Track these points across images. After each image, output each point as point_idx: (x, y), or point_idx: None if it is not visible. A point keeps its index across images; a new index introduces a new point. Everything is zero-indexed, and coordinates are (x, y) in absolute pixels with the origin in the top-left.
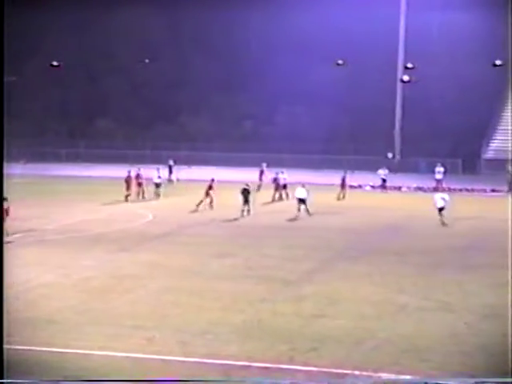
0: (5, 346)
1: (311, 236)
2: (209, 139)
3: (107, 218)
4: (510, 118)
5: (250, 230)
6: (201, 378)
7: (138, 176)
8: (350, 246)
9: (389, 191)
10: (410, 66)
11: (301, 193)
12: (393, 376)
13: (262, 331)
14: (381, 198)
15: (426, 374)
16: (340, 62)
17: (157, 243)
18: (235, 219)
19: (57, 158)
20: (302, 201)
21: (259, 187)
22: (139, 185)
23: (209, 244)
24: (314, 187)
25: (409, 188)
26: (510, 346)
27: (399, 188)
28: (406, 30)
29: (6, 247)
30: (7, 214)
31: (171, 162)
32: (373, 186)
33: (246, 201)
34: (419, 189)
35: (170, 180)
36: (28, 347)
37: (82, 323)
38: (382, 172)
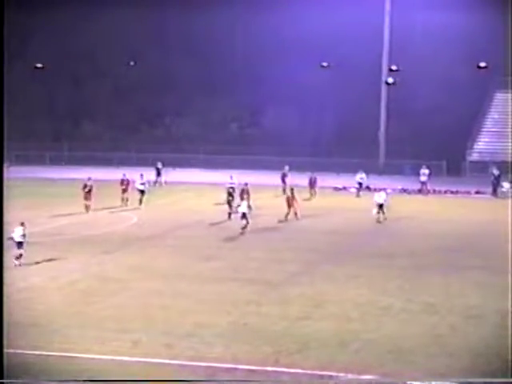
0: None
1: (296, 238)
2: (194, 142)
3: (92, 221)
4: (494, 120)
5: (235, 233)
6: (202, 378)
7: (122, 181)
8: (335, 248)
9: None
10: (394, 68)
11: (380, 197)
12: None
13: (247, 333)
14: (365, 199)
15: (411, 376)
16: (324, 64)
17: (142, 246)
18: (221, 221)
19: (41, 161)
20: (380, 206)
21: (284, 191)
22: (124, 191)
23: (194, 247)
24: (299, 189)
25: (393, 190)
26: (510, 345)
27: (384, 189)
28: (391, 32)
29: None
30: None
31: (159, 165)
32: (358, 189)
33: (230, 204)
34: (404, 191)
35: (157, 182)
36: (12, 350)
37: (67, 326)
38: (359, 176)
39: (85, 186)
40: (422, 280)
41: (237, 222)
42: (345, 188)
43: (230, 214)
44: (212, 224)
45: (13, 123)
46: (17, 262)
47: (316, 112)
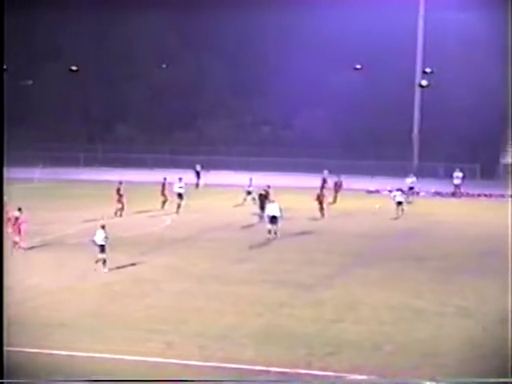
0: (14, 349)
1: (328, 241)
2: (227, 144)
3: (126, 223)
4: None
5: (267, 235)
6: (201, 378)
7: (163, 185)
8: (367, 250)
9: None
10: (428, 70)
11: (400, 197)
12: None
13: (279, 336)
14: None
15: (411, 376)
16: (358, 66)
17: (175, 248)
18: (253, 225)
19: (75, 163)
20: (399, 203)
21: (323, 195)
22: (163, 194)
23: (227, 249)
24: (329, 191)
25: (427, 193)
26: (510, 346)
27: (417, 193)
28: (425, 34)
29: (24, 252)
30: (17, 223)
31: (198, 168)
32: (390, 191)
33: (262, 206)
34: (437, 194)
35: (197, 185)
36: (44, 351)
37: (100, 327)
38: (410, 180)
39: (118, 190)
40: (454, 283)
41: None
42: (378, 191)
43: (261, 216)
44: (244, 226)
45: (47, 124)
46: (101, 268)
47: (349, 114)
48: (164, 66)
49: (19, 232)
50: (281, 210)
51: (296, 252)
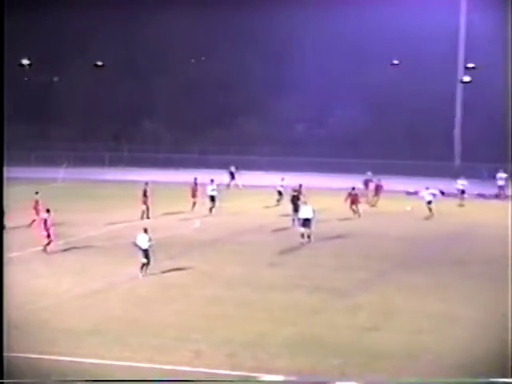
0: (44, 356)
1: (365, 245)
2: (258, 143)
3: (153, 225)
4: None
5: (300, 239)
6: (203, 378)
7: (194, 185)
8: (406, 255)
9: (448, 198)
10: (470, 65)
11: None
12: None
13: (313, 344)
14: (439, 204)
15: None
16: (395, 62)
17: (204, 251)
18: (286, 227)
19: (100, 162)
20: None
21: (366, 197)
22: (194, 195)
23: (258, 252)
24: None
25: (469, 194)
26: (510, 345)
27: (462, 193)
28: (467, 28)
29: (45, 255)
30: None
31: (233, 169)
32: (433, 194)
33: (295, 209)
34: (480, 195)
35: (230, 186)
36: (70, 358)
37: (127, 334)
38: (461, 182)
39: (144, 191)
40: (498, 290)
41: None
42: (417, 192)
43: (293, 219)
44: (277, 229)
45: (71, 122)
46: (141, 274)
47: (387, 111)
48: (193, 60)
49: (48, 235)
50: (314, 212)
51: (331, 256)
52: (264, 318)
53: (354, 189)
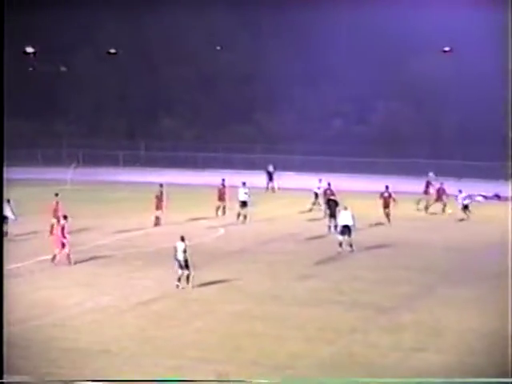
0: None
1: (409, 255)
2: (290, 141)
3: (171, 232)
4: None
5: (337, 248)
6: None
7: (221, 188)
8: (455, 267)
9: (503, 203)
10: None
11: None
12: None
13: (352, 366)
14: (492, 210)
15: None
16: (446, 48)
17: (229, 262)
18: (321, 235)
19: (113, 162)
20: (466, 207)
21: (427, 203)
22: (221, 199)
23: (290, 263)
24: (415, 196)
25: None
26: (510, 346)
27: (459, 191)
28: None
29: (51, 266)
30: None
31: (271, 168)
32: (485, 197)
33: (332, 214)
34: None
35: (270, 188)
36: (78, 379)
37: (141, 354)
38: None
39: (160, 195)
40: None
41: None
42: (469, 196)
43: (329, 226)
44: (310, 237)
45: (81, 117)
46: (179, 285)
47: (435, 107)
48: (218, 48)
49: (63, 245)
50: (354, 218)
51: (370, 268)
52: (297, 336)
53: (387, 188)
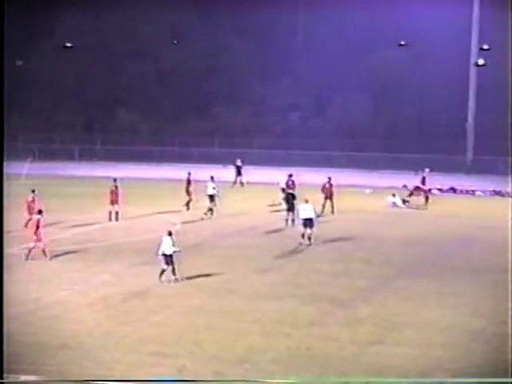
0: (6, 375)
1: (367, 248)
2: (247, 134)
3: (128, 226)
4: None
5: (295, 242)
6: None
7: (188, 182)
8: (414, 260)
9: (460, 195)
10: (486, 47)
11: None
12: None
13: (310, 360)
14: (450, 203)
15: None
16: (403, 42)
17: (186, 256)
18: (279, 229)
19: (69, 156)
20: None
21: (427, 199)
22: (188, 193)
23: (247, 257)
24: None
25: (483, 192)
26: (510, 346)
27: (473, 192)
28: (481, 5)
29: (8, 261)
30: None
31: (239, 162)
32: (440, 190)
33: (290, 208)
34: (496, 193)
35: (238, 182)
36: (36, 376)
37: (100, 349)
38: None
39: (115, 189)
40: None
41: (297, 230)
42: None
43: (286, 220)
44: (268, 231)
45: (37, 111)
46: (160, 280)
47: (392, 99)
48: (175, 42)
49: (39, 239)
50: (315, 211)
51: (328, 261)
52: (254, 330)
53: (330, 179)
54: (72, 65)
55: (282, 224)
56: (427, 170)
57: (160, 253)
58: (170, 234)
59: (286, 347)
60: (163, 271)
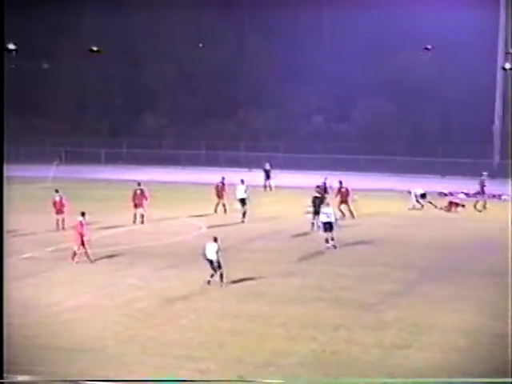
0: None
1: (391, 252)
2: (272, 138)
3: (154, 230)
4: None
5: (321, 245)
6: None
7: (217, 186)
8: (437, 264)
9: (486, 200)
10: None
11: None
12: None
13: (335, 363)
14: (479, 205)
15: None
16: (428, 46)
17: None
18: (305, 233)
19: (95, 159)
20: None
21: (485, 204)
22: (220, 196)
23: (273, 261)
24: (394, 194)
25: (510, 196)
26: (510, 346)
27: (499, 196)
28: (507, 8)
29: (34, 263)
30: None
31: (267, 166)
32: (467, 194)
33: (317, 211)
34: None
35: (266, 186)
36: (60, 379)
37: (125, 352)
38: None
39: (141, 192)
40: None
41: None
42: (451, 194)
43: (312, 223)
44: (294, 235)
45: (63, 114)
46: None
47: (417, 103)
48: (200, 45)
49: (82, 242)
50: (334, 214)
51: (353, 265)
52: (279, 334)
53: (341, 183)
54: (98, 68)
55: (308, 227)
56: (485, 173)
57: (207, 257)
58: (215, 240)
59: (312, 351)
60: (213, 276)
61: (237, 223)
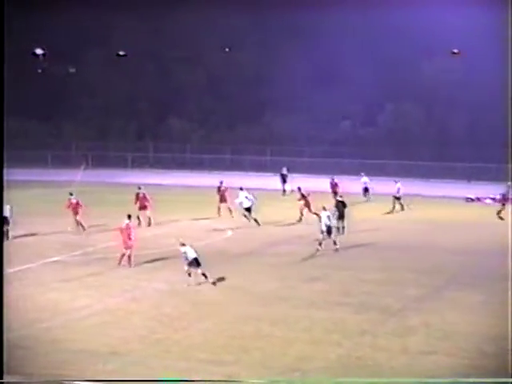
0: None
1: (417, 257)
2: (298, 143)
3: (179, 234)
4: None
5: (344, 250)
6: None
7: (222, 190)
8: (464, 269)
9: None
10: None
11: None
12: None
13: (360, 369)
14: (503, 213)
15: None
16: (456, 50)
17: (236, 264)
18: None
19: (122, 163)
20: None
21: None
22: (222, 200)
23: (297, 265)
24: (421, 199)
25: None
26: (510, 345)
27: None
28: None
29: (58, 267)
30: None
31: (284, 171)
32: (494, 199)
33: (341, 216)
34: None
35: (284, 191)
36: (86, 383)
37: (151, 356)
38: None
39: (137, 197)
40: None
41: (346, 237)
42: (478, 199)
43: (338, 228)
44: (317, 239)
45: (91, 119)
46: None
47: (443, 108)
48: (227, 49)
49: (128, 246)
50: (330, 218)
51: (378, 270)
52: (304, 339)
53: (335, 184)
54: (125, 72)
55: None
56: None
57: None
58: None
59: (337, 356)
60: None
61: (260, 228)
